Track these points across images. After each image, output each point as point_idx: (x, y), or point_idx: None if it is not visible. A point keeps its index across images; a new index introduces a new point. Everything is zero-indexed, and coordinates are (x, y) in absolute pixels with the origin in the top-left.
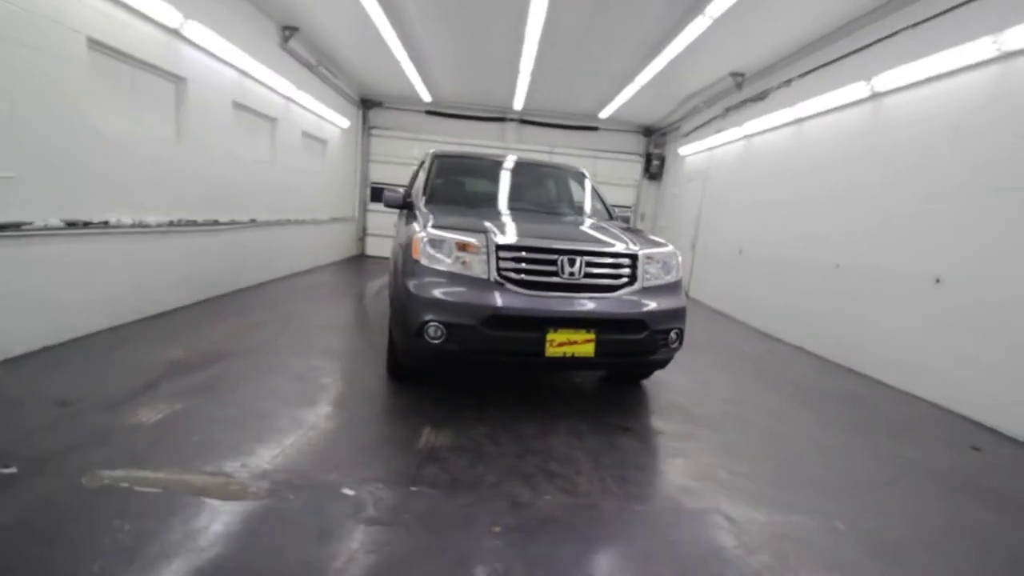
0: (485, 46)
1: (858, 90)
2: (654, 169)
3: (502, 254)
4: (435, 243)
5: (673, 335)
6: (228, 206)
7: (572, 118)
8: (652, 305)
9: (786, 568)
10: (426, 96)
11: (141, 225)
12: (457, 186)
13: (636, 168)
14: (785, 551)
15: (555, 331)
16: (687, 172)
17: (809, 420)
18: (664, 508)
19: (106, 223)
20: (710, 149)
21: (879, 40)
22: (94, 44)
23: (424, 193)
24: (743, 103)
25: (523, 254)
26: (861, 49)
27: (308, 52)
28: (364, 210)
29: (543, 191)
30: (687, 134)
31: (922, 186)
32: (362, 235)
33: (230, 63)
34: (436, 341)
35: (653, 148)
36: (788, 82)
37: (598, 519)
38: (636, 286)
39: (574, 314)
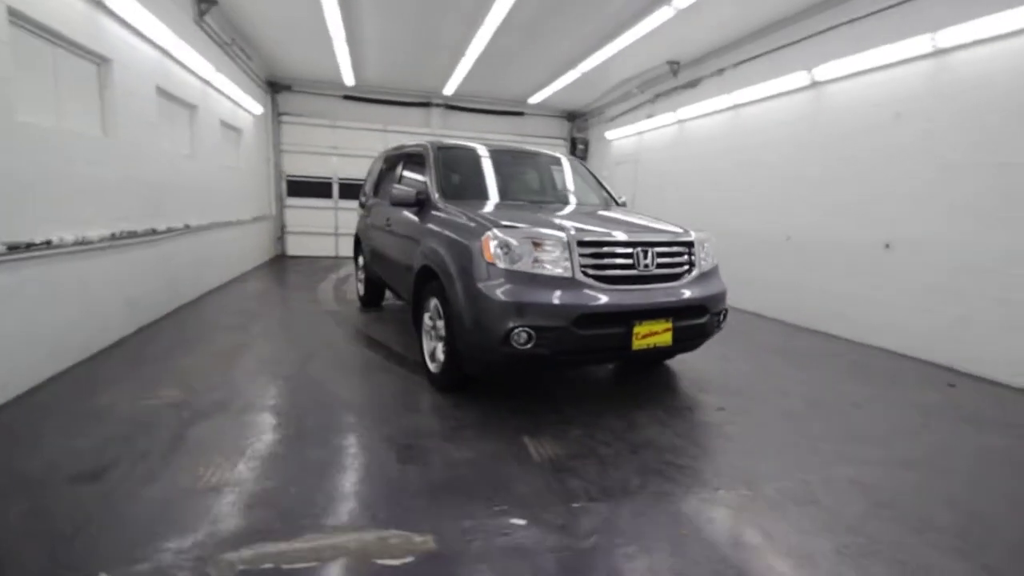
0: (438, 27)
1: (799, 79)
2: (579, 153)
3: (582, 250)
4: (509, 243)
5: (721, 316)
6: (162, 211)
7: (500, 103)
8: (708, 289)
9: (920, 509)
10: (349, 79)
11: (84, 242)
12: (468, 180)
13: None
14: (905, 499)
15: (640, 324)
16: (615, 155)
17: (822, 380)
18: (795, 483)
19: (49, 243)
20: (640, 133)
21: (818, 33)
22: (16, 16)
23: (436, 189)
24: (674, 89)
25: (603, 249)
26: (800, 41)
27: (222, 28)
28: (281, 206)
29: (553, 181)
30: (612, 119)
31: (867, 165)
32: (281, 234)
33: (153, 41)
34: (525, 347)
35: (576, 132)
36: (721, 71)
37: (755, 506)
38: (695, 272)
39: (656, 305)
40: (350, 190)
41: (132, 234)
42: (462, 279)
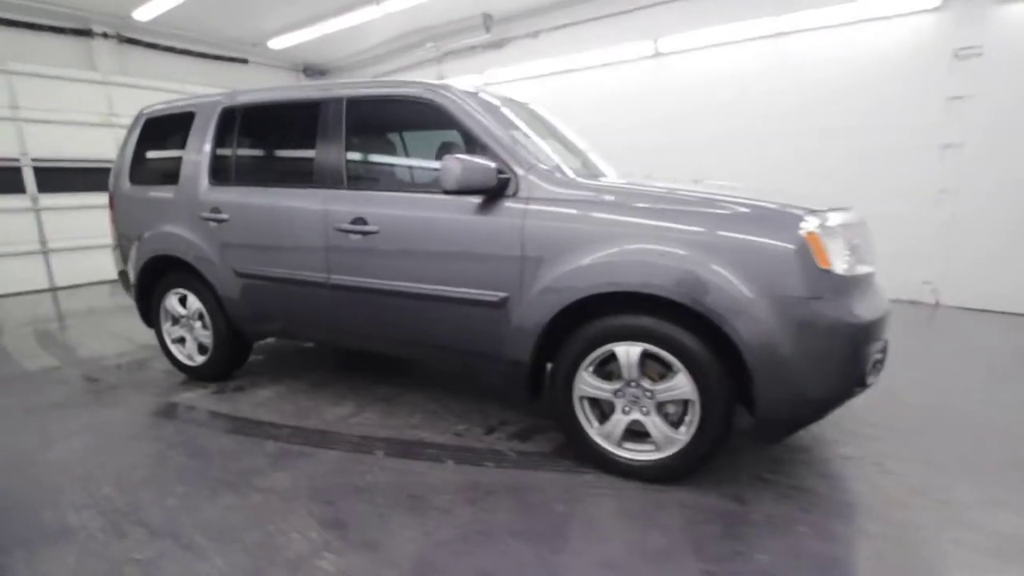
0: None
1: (645, 48)
2: None
3: None
4: (851, 238)
5: None
6: None
7: (219, 45)
8: None
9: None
10: None
11: None
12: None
13: None
14: None
15: None
16: None
17: None
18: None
19: None
20: None
21: (660, 3)
22: None
23: (529, 162)
24: (473, 49)
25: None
26: (643, 8)
27: None
28: None
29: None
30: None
31: (715, 131)
32: None
33: None
34: (868, 382)
35: None
36: (536, 34)
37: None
38: None
39: None
40: None
41: None
42: (770, 300)
